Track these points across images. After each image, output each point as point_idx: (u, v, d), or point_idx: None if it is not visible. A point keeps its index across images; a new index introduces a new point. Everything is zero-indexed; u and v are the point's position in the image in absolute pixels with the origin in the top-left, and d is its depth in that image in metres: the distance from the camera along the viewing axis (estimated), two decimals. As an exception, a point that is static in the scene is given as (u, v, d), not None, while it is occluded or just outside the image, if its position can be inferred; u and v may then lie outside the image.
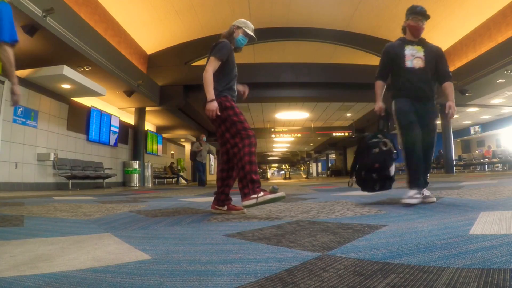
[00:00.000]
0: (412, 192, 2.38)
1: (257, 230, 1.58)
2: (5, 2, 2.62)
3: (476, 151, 18.83)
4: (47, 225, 1.98)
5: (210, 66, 2.31)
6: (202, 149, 10.65)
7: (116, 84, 9.40)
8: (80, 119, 9.54)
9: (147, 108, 12.25)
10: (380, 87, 2.81)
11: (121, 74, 9.16)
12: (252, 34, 2.55)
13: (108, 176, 10.07)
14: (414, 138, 2.47)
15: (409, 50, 2.65)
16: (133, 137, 12.26)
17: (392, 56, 2.70)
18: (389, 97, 2.74)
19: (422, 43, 2.71)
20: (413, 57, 2.61)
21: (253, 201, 2.11)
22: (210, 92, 2.26)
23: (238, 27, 2.53)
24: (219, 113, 2.24)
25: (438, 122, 15.13)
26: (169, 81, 12.38)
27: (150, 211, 2.59)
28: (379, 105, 2.74)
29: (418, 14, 2.63)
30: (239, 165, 2.19)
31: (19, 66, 7.20)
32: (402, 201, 2.40)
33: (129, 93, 10.12)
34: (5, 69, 2.38)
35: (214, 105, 2.23)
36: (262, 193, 2.11)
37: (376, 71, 2.86)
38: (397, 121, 2.62)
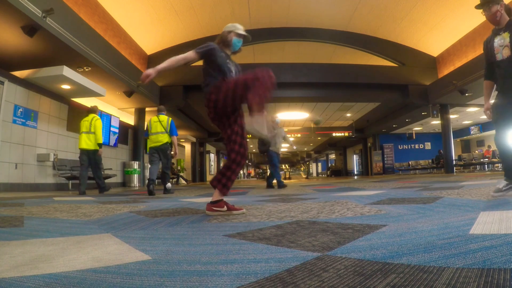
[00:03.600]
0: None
1: (257, 230, 1.58)
2: (170, 119, 5.81)
3: (476, 151, 18.85)
4: (47, 225, 1.98)
5: (184, 54, 2.38)
6: (277, 133, 7.09)
7: (116, 85, 9.41)
8: (80, 120, 9.52)
9: (147, 109, 12.25)
10: (486, 87, 2.62)
11: (121, 75, 9.16)
12: (244, 33, 2.58)
13: (108, 177, 10.07)
14: (501, 135, 2.43)
15: (497, 41, 2.41)
16: (133, 138, 12.26)
17: (486, 52, 2.54)
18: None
19: (509, 27, 2.36)
20: (502, 48, 2.34)
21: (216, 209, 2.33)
22: (162, 65, 2.35)
23: (229, 32, 2.57)
24: (147, 79, 2.36)
25: (438, 122, 15.16)
26: (168, 82, 12.38)
27: (150, 212, 2.59)
28: (485, 105, 2.58)
29: (478, 7, 2.52)
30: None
31: (19, 67, 7.27)
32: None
33: (129, 94, 10.12)
34: (173, 146, 5.73)
35: (149, 72, 2.35)
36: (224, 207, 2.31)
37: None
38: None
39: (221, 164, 30.35)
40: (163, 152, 5.63)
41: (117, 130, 11.38)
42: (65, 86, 7.94)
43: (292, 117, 18.14)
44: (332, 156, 35.94)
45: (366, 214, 2.00)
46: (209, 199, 2.49)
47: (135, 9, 10.61)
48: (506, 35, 2.32)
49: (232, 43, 2.55)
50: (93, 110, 6.79)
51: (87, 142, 6.35)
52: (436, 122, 16.48)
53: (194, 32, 12.58)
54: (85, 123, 6.49)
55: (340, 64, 13.48)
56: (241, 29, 2.58)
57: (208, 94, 2.32)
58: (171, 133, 5.73)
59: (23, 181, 7.30)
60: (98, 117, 6.66)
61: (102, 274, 0.93)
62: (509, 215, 1.60)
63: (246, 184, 11.22)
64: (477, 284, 0.73)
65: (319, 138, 22.70)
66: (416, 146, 21.64)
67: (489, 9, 2.43)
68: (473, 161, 15.64)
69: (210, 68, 2.40)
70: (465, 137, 21.55)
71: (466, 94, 11.53)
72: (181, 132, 17.68)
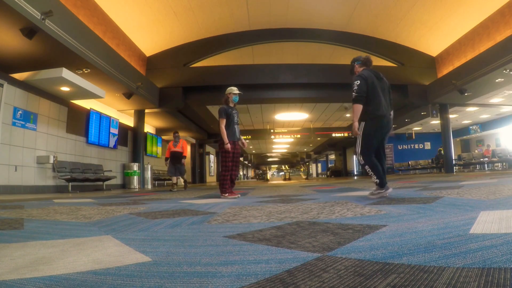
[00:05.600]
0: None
1: (257, 231, 1.58)
2: None
3: (476, 150, 18.85)
4: (47, 227, 1.97)
5: (221, 123, 4.40)
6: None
7: (115, 87, 9.41)
8: (79, 122, 9.54)
9: (146, 110, 12.25)
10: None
11: (120, 77, 9.16)
12: (237, 92, 4.54)
13: (108, 179, 10.07)
14: None
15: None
16: (132, 139, 12.25)
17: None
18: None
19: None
20: None
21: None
22: (225, 138, 4.36)
23: (229, 93, 4.53)
24: (230, 150, 4.37)
25: (437, 121, 15.17)
26: (168, 83, 12.38)
27: (150, 213, 2.59)
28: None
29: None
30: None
31: (18, 69, 7.27)
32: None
33: (128, 95, 10.12)
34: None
35: (228, 146, 4.34)
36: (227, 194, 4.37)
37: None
38: None
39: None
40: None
41: (116, 132, 11.38)
42: (64, 88, 7.94)
43: (292, 117, 18.14)
44: (332, 157, 35.93)
45: (366, 215, 2.00)
46: (209, 200, 2.50)
47: (134, 11, 10.62)
48: None
49: (231, 100, 4.53)
50: None
51: None
52: (435, 122, 16.49)
53: (193, 34, 12.60)
54: None
55: (339, 65, 13.47)
56: (235, 90, 4.53)
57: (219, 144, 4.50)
58: None
59: (23, 183, 7.29)
60: None
61: (102, 276, 0.93)
62: (509, 214, 1.60)
63: (245, 185, 11.22)
64: (477, 284, 0.73)
65: (318, 138, 22.70)
66: (416, 146, 21.65)
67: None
68: (473, 161, 15.65)
69: (228, 120, 4.41)
70: (464, 137, 21.57)
71: (466, 94, 11.54)
72: (180, 134, 17.66)
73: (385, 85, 3.28)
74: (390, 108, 3.27)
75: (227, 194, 4.34)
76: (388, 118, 3.21)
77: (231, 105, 4.54)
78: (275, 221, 1.92)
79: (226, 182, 4.41)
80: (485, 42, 10.84)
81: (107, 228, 1.88)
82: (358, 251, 1.10)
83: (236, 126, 4.51)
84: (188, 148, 20.81)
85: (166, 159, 8.32)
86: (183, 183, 8.67)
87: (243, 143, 4.77)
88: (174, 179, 8.25)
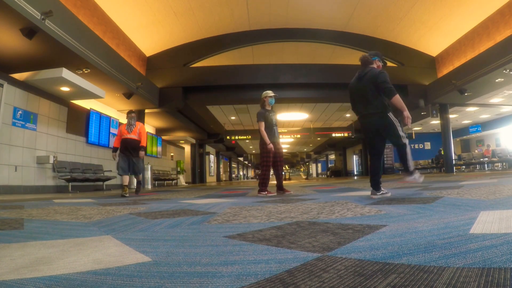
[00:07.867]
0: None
1: (257, 231, 1.58)
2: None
3: (476, 150, 18.85)
4: (47, 228, 1.97)
5: (260, 126, 4.56)
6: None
7: (115, 87, 9.41)
8: (79, 122, 9.54)
9: (146, 110, 12.25)
10: None
11: (120, 77, 9.16)
12: (272, 94, 4.75)
13: (108, 179, 10.06)
14: None
15: None
16: (132, 139, 12.23)
17: None
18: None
19: None
20: None
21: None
22: (266, 139, 4.53)
23: (265, 97, 4.74)
24: (270, 150, 4.56)
25: (437, 121, 15.16)
26: (168, 83, 12.38)
27: (150, 213, 2.58)
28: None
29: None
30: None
31: (18, 69, 7.26)
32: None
33: (128, 96, 10.12)
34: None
35: (270, 146, 4.51)
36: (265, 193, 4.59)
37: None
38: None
39: (221, 166, 30.60)
40: None
41: (116, 132, 11.38)
42: (64, 88, 7.94)
43: (292, 118, 18.14)
44: (332, 157, 35.94)
45: (366, 215, 2.00)
46: (209, 200, 2.51)
47: (134, 11, 10.62)
48: None
49: (268, 103, 4.73)
50: None
51: None
52: (435, 122, 16.48)
53: (193, 34, 12.60)
54: None
55: (339, 65, 13.49)
56: (270, 93, 4.75)
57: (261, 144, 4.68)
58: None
59: (23, 184, 7.29)
60: None
61: (102, 276, 0.93)
62: (509, 214, 1.60)
63: (245, 185, 11.22)
64: (477, 284, 0.73)
65: (318, 138, 22.69)
66: (416, 146, 21.65)
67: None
68: (473, 161, 15.65)
69: (266, 122, 4.59)
70: (464, 137, 21.57)
71: (466, 94, 11.54)
72: (180, 134, 17.71)
73: (366, 80, 3.20)
74: (371, 103, 3.22)
75: (265, 193, 4.54)
76: (367, 116, 3.25)
77: (268, 108, 4.71)
78: (275, 221, 1.92)
79: (267, 180, 4.65)
80: (485, 42, 10.84)
81: (107, 228, 1.88)
82: (358, 251, 1.10)
83: (275, 128, 4.68)
84: (187, 149, 20.77)
85: (115, 149, 5.94)
86: (135, 185, 6.48)
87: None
88: (126, 178, 5.82)
